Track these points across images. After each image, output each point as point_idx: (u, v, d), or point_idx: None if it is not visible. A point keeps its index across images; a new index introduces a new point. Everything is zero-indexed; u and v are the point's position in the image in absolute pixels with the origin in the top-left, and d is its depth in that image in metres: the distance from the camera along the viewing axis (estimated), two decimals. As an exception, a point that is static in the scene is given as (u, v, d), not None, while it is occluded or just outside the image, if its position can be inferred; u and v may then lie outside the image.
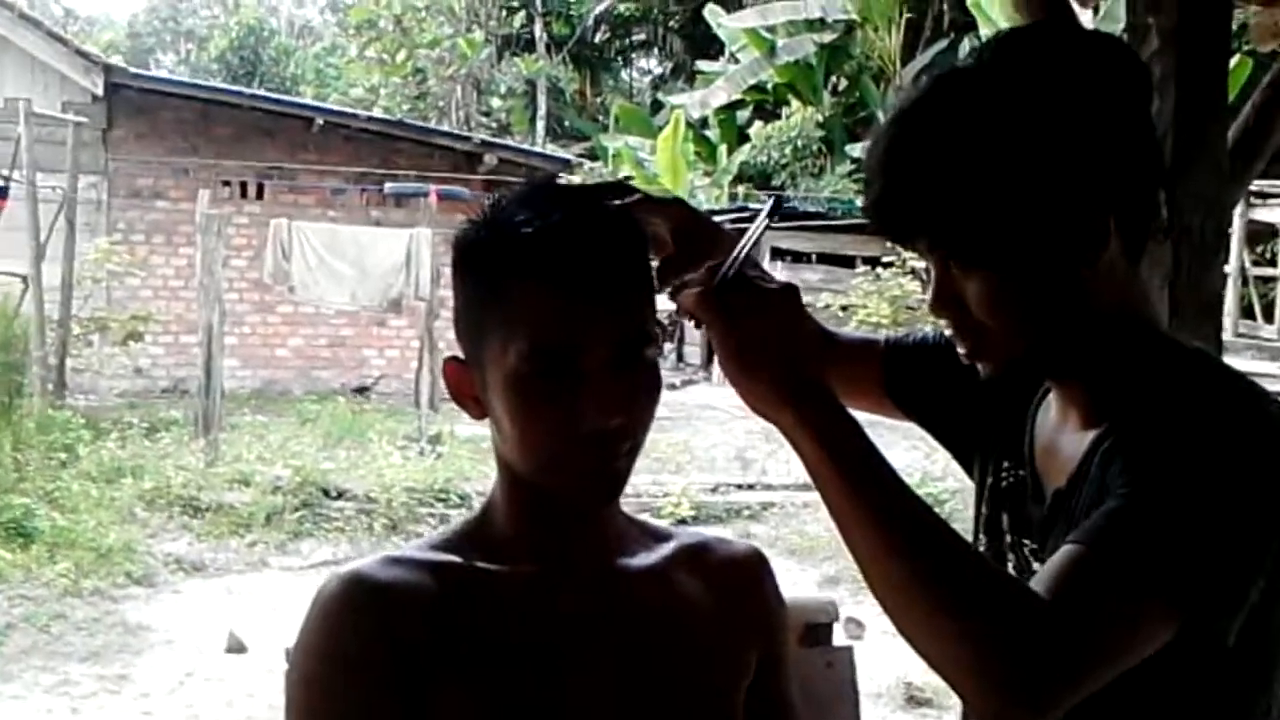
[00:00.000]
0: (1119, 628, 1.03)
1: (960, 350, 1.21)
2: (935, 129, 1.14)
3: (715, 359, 1.09)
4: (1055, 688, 1.01)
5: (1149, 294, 1.27)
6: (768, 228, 1.17)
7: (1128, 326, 1.19)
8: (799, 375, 1.05)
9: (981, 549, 1.36)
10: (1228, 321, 12.09)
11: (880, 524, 1.03)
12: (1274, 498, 1.07)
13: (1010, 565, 1.31)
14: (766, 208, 1.19)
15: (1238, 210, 10.73)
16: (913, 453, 8.36)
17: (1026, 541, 1.28)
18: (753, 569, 1.30)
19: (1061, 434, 1.25)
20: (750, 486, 9.18)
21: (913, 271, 11.94)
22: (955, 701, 1.09)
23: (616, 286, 1.08)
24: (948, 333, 1.22)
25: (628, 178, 19.07)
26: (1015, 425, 1.32)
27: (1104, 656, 1.02)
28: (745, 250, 1.10)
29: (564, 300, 1.07)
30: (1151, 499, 1.05)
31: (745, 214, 15.99)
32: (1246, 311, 13.22)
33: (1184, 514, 1.04)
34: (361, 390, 13.12)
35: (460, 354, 1.17)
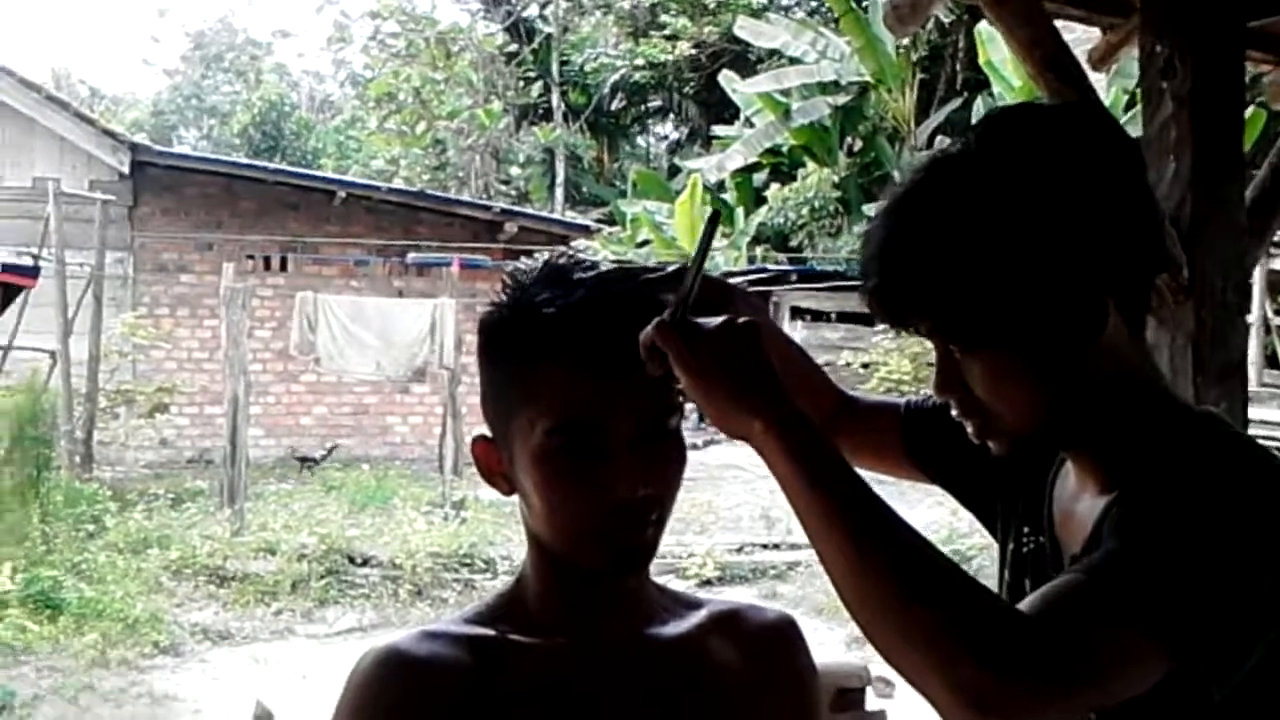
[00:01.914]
0: (1094, 650, 1.01)
1: (968, 430, 1.22)
2: (928, 217, 1.15)
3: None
4: (1024, 699, 0.99)
5: (1153, 359, 1.28)
6: (709, 245, 1.17)
7: (1134, 395, 1.19)
8: (762, 388, 1.05)
9: None
10: (1252, 372, 12.02)
11: (852, 528, 1.03)
12: (1275, 560, 1.06)
13: None
14: (705, 223, 1.19)
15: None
16: (938, 509, 8.32)
17: None
18: (785, 636, 1.29)
19: (1078, 501, 1.26)
20: (776, 546, 9.13)
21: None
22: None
23: (638, 362, 1.10)
24: (954, 414, 1.22)
25: (644, 242, 19.20)
26: (1035, 491, 1.33)
27: (1074, 675, 1.01)
28: (696, 277, 1.11)
29: (588, 378, 1.09)
30: (1152, 542, 1.06)
31: (763, 274, 16.09)
32: (1270, 361, 13.14)
33: (1183, 559, 1.04)
34: (306, 460, 12.36)
35: (488, 432, 1.19)
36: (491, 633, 1.18)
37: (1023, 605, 1.04)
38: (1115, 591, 1.03)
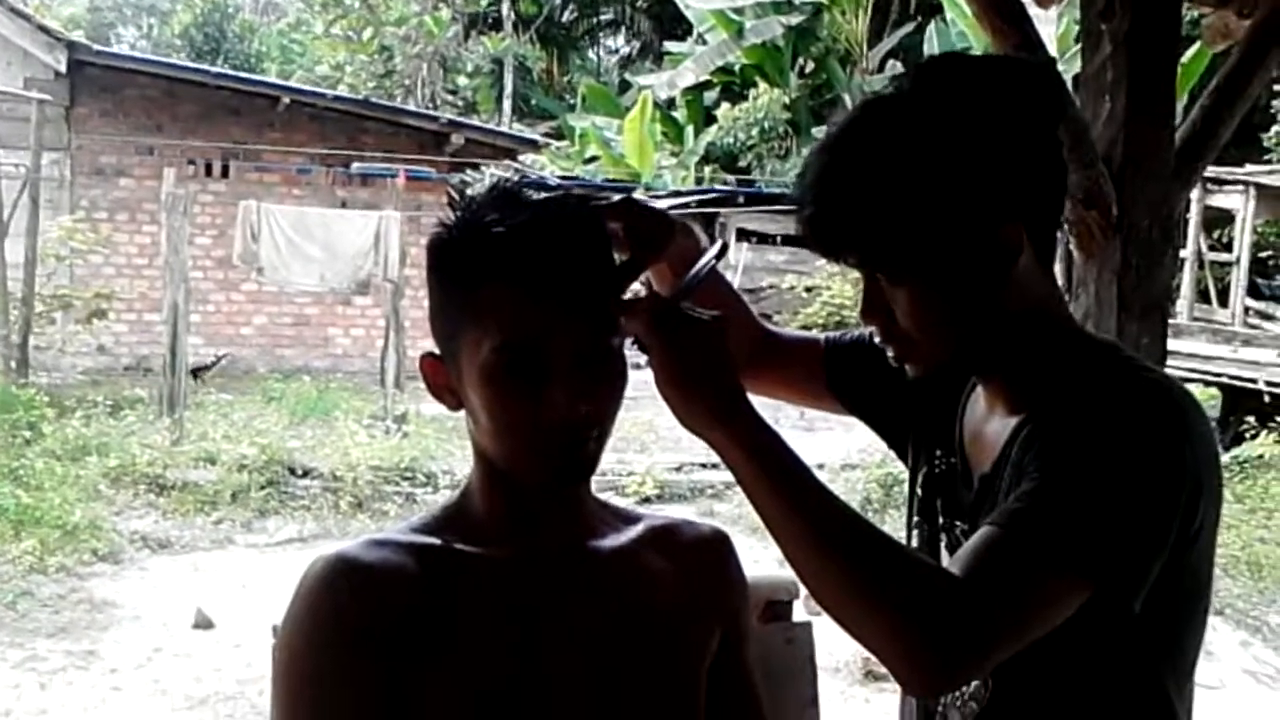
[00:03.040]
0: (1025, 599, 1.13)
1: (889, 354, 1.31)
2: (861, 154, 1.24)
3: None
4: (965, 655, 1.11)
5: (1061, 293, 1.39)
6: (711, 268, 1.24)
7: (1042, 324, 1.29)
8: (728, 397, 1.14)
9: (916, 531, 1.47)
10: (1183, 305, 12.26)
11: (807, 523, 1.14)
12: (1174, 479, 1.17)
13: (944, 545, 1.41)
14: (714, 250, 1.27)
15: (1195, 196, 10.88)
16: (871, 434, 8.45)
17: (959, 523, 1.38)
18: (718, 550, 1.37)
19: (988, 423, 1.35)
20: (714, 465, 9.21)
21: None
22: (910, 677, 1.19)
23: (581, 283, 1.15)
24: (877, 340, 1.31)
25: (592, 158, 19.04)
26: (946, 416, 1.43)
27: (1010, 626, 1.13)
28: (691, 285, 1.19)
29: (532, 297, 1.13)
30: (1059, 481, 1.16)
31: (710, 195, 16.05)
32: (1202, 295, 13.41)
33: (1090, 493, 1.15)
34: (197, 372, 11.90)
35: (436, 349, 1.23)
36: (438, 542, 1.23)
37: (952, 565, 1.14)
38: (1034, 539, 1.13)
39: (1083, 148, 2.00)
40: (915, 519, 1.48)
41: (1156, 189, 2.13)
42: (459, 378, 1.19)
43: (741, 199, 16.38)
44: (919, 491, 1.48)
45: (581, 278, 1.15)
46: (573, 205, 1.20)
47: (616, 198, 1.34)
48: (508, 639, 1.19)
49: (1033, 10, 2.48)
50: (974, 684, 1.34)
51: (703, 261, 1.24)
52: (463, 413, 1.22)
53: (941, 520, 1.43)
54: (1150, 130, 2.14)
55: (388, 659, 1.15)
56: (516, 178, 1.23)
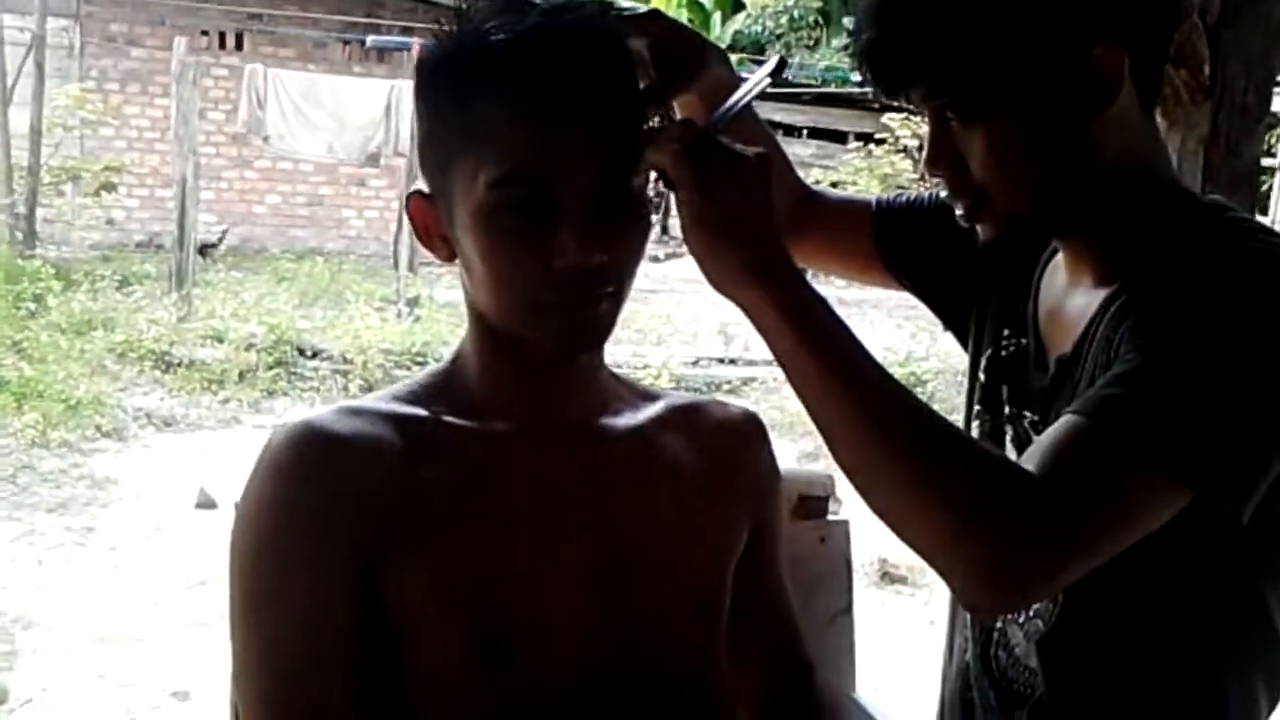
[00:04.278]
0: (1115, 503, 0.94)
1: (958, 212, 1.11)
2: None
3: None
4: (1041, 569, 0.94)
5: (1164, 146, 1.17)
6: (765, 90, 1.04)
7: (1141, 180, 1.09)
8: (770, 250, 0.97)
9: (977, 422, 1.28)
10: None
11: (854, 399, 0.96)
12: None
13: (1009, 438, 1.22)
14: (768, 66, 1.07)
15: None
16: (898, 332, 8.30)
17: (1027, 413, 1.20)
18: (748, 433, 1.21)
19: (1070, 297, 1.16)
20: (732, 361, 9.11)
21: (905, 149, 11.74)
22: (931, 579, 1.01)
23: (598, 104, 0.96)
24: (943, 194, 1.12)
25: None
26: (1018, 290, 1.23)
27: (1096, 535, 0.94)
28: (735, 109, 1.00)
29: (538, 119, 0.94)
30: (1160, 362, 0.96)
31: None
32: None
33: (1197, 377, 0.95)
34: (205, 250, 11.27)
35: (426, 187, 1.04)
36: (424, 413, 1.07)
37: (1028, 461, 0.95)
38: (1128, 431, 0.93)
39: (1175, -4, 1.75)
40: (976, 408, 1.29)
41: (1256, 45, 1.88)
42: (451, 221, 1.02)
43: (777, 78, 16.03)
44: (981, 377, 1.28)
45: (598, 98, 0.96)
46: (590, 12, 1.00)
47: (642, 9, 1.14)
48: (503, 524, 1.04)
49: None
50: None
51: (752, 80, 1.04)
52: (459, 269, 1.04)
53: (1008, 410, 1.23)
54: (1254, -25, 1.89)
55: (361, 542, 1.00)
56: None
